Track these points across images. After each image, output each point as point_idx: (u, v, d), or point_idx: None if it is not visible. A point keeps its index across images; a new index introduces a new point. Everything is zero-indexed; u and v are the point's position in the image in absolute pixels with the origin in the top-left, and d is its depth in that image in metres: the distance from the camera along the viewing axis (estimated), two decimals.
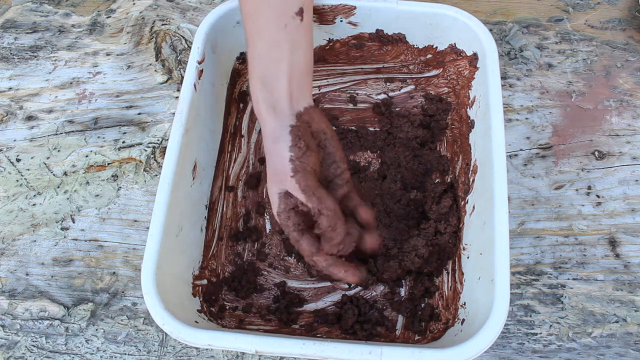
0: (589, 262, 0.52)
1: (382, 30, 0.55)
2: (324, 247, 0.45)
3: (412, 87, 0.60)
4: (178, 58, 0.64)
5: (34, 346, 0.49)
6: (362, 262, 0.50)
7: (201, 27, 0.52)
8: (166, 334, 0.49)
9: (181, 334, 0.39)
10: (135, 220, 0.55)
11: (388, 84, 0.60)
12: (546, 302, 0.50)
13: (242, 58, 0.58)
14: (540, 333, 0.49)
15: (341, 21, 0.54)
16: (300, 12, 0.44)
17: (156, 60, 0.64)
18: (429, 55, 0.57)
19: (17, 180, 0.57)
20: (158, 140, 0.59)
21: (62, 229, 0.54)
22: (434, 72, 0.58)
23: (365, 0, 0.52)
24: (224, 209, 0.54)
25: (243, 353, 0.49)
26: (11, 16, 0.68)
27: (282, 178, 0.44)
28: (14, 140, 0.59)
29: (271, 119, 0.43)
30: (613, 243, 0.53)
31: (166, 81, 0.63)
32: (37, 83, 0.63)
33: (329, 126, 0.46)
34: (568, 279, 0.51)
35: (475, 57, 0.53)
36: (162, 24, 0.67)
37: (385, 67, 0.59)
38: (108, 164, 0.58)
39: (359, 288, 0.51)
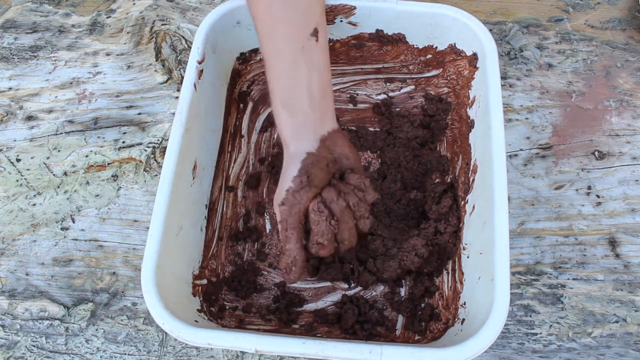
0: (589, 262, 0.52)
1: (382, 30, 0.55)
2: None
3: (412, 87, 0.60)
4: (178, 58, 0.64)
5: (34, 346, 0.49)
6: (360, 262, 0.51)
7: (201, 27, 0.52)
8: (166, 333, 0.49)
9: (181, 333, 0.39)
10: (135, 220, 0.55)
11: (388, 84, 0.60)
12: (546, 302, 0.50)
13: (242, 58, 0.58)
14: (540, 333, 0.49)
15: (341, 21, 0.54)
16: (315, 33, 0.43)
17: (156, 60, 0.64)
18: (429, 55, 0.57)
19: (17, 180, 0.57)
20: (158, 140, 0.59)
21: (62, 229, 0.54)
22: (434, 72, 0.58)
23: (365, 0, 0.52)
24: (224, 209, 0.54)
25: (243, 353, 0.49)
26: (11, 16, 0.68)
27: (277, 199, 0.44)
28: (14, 140, 0.59)
29: (294, 143, 0.43)
30: (613, 243, 0.53)
31: (166, 81, 0.63)
32: (37, 83, 0.63)
33: (353, 150, 0.46)
34: (568, 279, 0.51)
35: (475, 57, 0.53)
36: (162, 24, 0.67)
37: (385, 67, 0.59)
38: (108, 164, 0.58)
39: (359, 288, 0.51)
